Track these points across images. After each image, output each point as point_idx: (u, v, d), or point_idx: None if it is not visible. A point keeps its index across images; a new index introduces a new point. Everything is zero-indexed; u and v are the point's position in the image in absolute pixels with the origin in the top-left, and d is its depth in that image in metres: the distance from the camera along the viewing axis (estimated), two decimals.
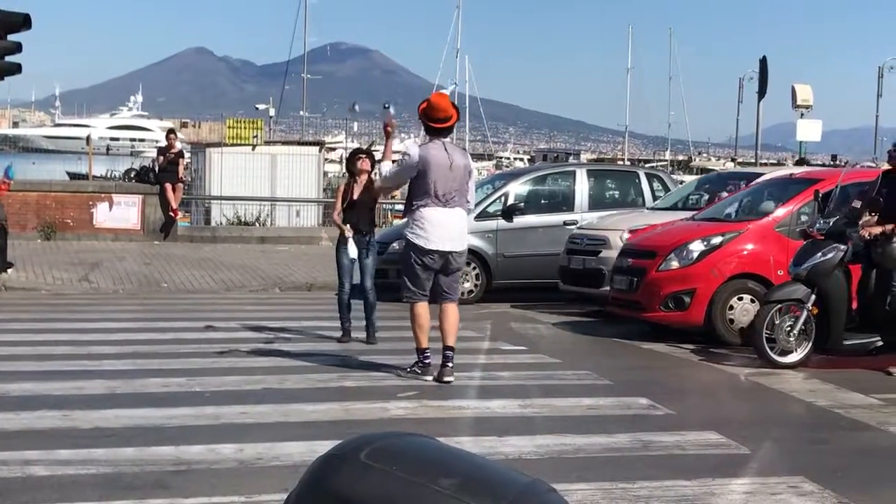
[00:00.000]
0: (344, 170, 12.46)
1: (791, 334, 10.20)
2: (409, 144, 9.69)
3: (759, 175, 14.85)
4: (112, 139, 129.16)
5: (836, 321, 10.27)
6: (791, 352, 10.25)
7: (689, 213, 14.08)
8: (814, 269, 10.18)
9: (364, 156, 11.71)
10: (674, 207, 14.93)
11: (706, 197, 15.01)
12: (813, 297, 10.19)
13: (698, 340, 11.75)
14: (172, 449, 6.70)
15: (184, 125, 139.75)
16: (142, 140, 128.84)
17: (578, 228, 14.76)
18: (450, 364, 9.19)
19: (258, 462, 6.45)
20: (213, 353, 10.35)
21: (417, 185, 9.14)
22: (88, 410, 7.70)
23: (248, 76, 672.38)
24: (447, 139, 9.38)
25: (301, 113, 79.78)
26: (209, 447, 6.75)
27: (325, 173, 55.96)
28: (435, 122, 9.22)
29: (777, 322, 10.20)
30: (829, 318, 10.25)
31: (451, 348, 9.20)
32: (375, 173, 10.84)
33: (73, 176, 42.78)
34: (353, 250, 11.27)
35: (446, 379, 9.10)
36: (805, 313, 10.19)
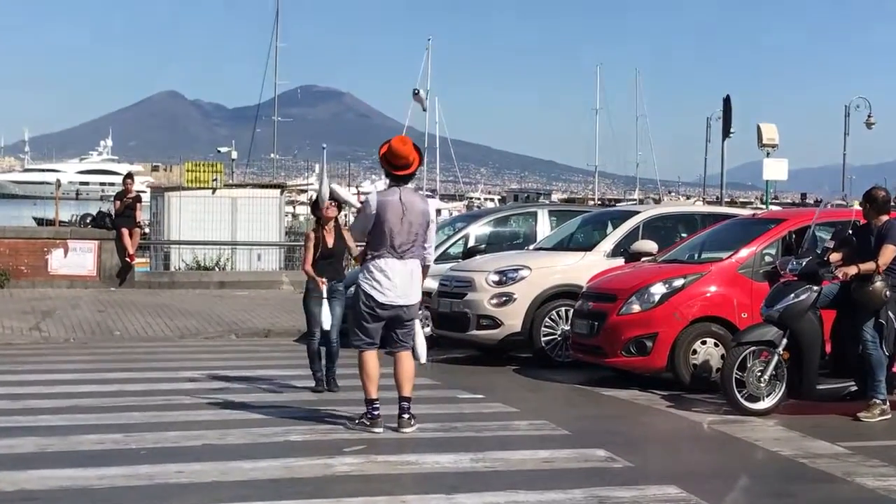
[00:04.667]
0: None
1: (762, 379, 9.90)
2: (370, 193, 9.39)
3: (636, 213, 14.64)
4: (82, 184, 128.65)
5: (809, 365, 9.99)
6: (760, 398, 9.95)
7: (574, 253, 13.97)
8: (787, 311, 9.91)
9: (330, 202, 11.28)
10: (558, 247, 14.67)
11: (596, 235, 14.69)
12: (785, 340, 9.90)
13: (663, 386, 11.43)
14: None
15: (154, 169, 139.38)
16: (112, 184, 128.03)
17: (450, 270, 14.46)
18: (406, 415, 8.90)
19: None
20: (154, 407, 9.94)
21: (374, 234, 8.87)
22: (15, 471, 7.29)
23: (219, 119, 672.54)
24: (408, 185, 9.05)
25: (272, 155, 79.51)
26: None
27: (296, 216, 55.66)
28: (394, 170, 8.91)
29: (748, 366, 9.90)
30: (803, 361, 9.98)
31: (408, 399, 8.93)
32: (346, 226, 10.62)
33: (40, 221, 42.33)
34: (326, 314, 10.84)
35: (405, 430, 8.80)
36: (776, 358, 9.91)
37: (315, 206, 11.49)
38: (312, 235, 11.15)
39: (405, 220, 8.78)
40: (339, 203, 11.71)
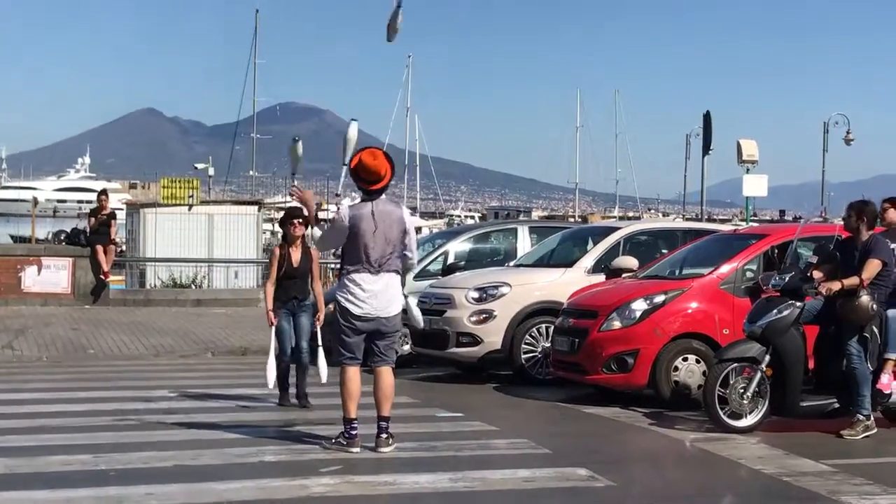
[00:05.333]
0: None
1: (744, 396, 9.76)
2: (342, 206, 9.17)
3: (617, 229, 14.53)
4: (59, 201, 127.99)
5: (792, 382, 9.84)
6: (743, 415, 9.81)
7: (554, 270, 13.80)
8: (769, 327, 9.77)
9: (297, 220, 11.17)
10: (538, 263, 14.53)
11: (576, 252, 14.52)
12: (768, 356, 9.77)
13: (645, 403, 11.28)
14: None
15: (133, 186, 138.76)
16: (89, 202, 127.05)
17: (429, 287, 14.35)
18: (384, 434, 8.70)
19: None
20: (125, 427, 9.71)
21: (349, 249, 8.70)
22: None
23: (198, 137, 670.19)
24: (382, 197, 8.85)
25: (251, 173, 79.24)
26: None
27: (275, 233, 55.28)
28: (366, 184, 8.73)
29: (730, 383, 9.75)
30: (786, 378, 9.84)
31: (386, 418, 8.73)
32: (310, 236, 10.42)
33: (16, 239, 42.08)
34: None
35: (383, 450, 8.61)
36: (759, 374, 9.77)
37: (283, 222, 11.39)
38: (278, 252, 11.07)
39: (379, 234, 8.61)
40: (307, 221, 11.58)
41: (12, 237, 45.58)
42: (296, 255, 11.00)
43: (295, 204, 11.10)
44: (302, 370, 11.03)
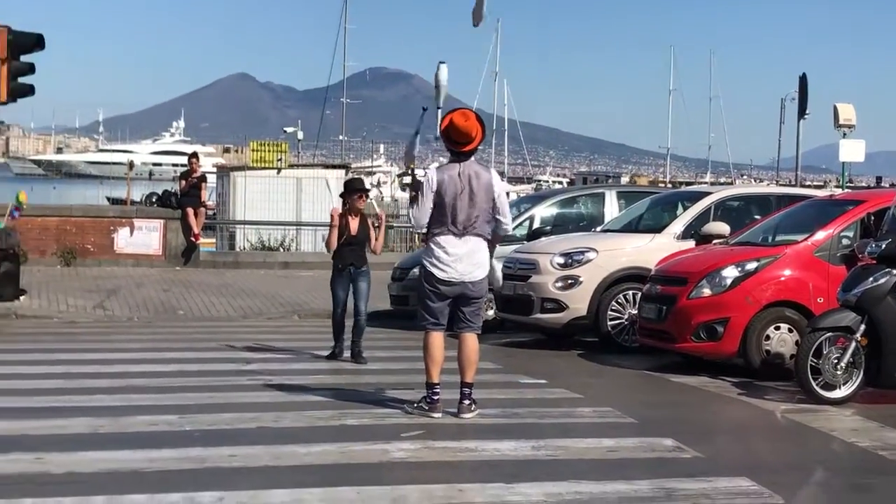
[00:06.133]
0: (380, 194, 12.64)
1: (838, 367, 9.49)
2: (429, 170, 9.09)
3: (708, 194, 14.19)
4: (155, 164, 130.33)
5: (888, 352, 9.52)
6: (836, 386, 9.53)
7: (642, 235, 13.61)
8: (864, 295, 9.48)
9: (361, 194, 11.88)
10: (626, 228, 14.25)
11: (665, 217, 14.24)
12: (863, 325, 9.46)
13: (734, 373, 11.03)
14: (146, 498, 6.11)
15: (226, 150, 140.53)
16: (184, 165, 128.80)
17: (514, 251, 14.18)
18: (467, 401, 8.62)
19: None
20: (210, 388, 9.77)
21: (435, 211, 8.58)
22: (65, 453, 7.12)
23: (290, 101, 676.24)
24: (469, 160, 8.70)
25: (340, 137, 79.63)
26: (187, 495, 6.16)
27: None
28: (456, 146, 8.60)
29: (824, 353, 9.48)
30: (881, 348, 9.52)
31: (469, 384, 8.65)
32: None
33: (113, 201, 42.94)
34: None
35: (465, 416, 8.54)
36: (853, 344, 9.49)
37: (346, 194, 11.94)
38: (338, 220, 11.58)
39: (466, 196, 8.47)
40: (368, 195, 12.21)
41: (109, 199, 46.48)
42: (354, 223, 11.62)
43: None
44: (359, 331, 11.69)
